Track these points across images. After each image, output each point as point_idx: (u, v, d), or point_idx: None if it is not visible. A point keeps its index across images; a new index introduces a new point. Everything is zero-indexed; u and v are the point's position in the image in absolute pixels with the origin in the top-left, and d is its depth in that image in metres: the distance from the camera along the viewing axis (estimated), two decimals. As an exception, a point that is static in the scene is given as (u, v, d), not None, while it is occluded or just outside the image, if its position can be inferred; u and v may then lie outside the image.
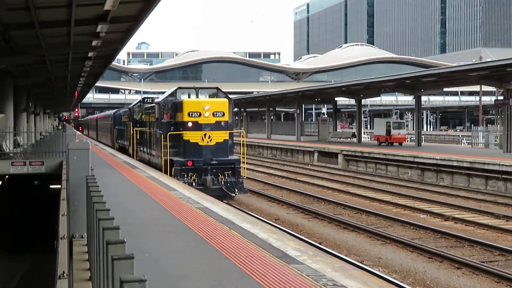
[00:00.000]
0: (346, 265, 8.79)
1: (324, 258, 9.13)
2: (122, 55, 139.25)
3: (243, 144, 28.23)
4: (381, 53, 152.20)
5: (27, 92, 40.67)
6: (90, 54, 27.37)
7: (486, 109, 68.36)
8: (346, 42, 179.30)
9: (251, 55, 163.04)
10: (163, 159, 22.76)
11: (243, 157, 24.14)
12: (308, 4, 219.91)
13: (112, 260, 3.34)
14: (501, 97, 37.03)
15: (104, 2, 15.61)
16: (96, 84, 69.86)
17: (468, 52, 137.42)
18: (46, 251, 15.53)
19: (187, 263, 8.87)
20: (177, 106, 23.80)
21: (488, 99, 63.88)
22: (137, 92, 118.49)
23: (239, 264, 8.54)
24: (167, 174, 21.87)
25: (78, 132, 67.94)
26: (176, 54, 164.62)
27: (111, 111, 52.69)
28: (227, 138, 23.18)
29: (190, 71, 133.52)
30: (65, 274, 6.63)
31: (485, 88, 52.21)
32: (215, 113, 22.34)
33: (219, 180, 21.76)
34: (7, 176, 24.28)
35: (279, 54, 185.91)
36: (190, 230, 11.19)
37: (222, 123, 22.84)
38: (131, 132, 34.58)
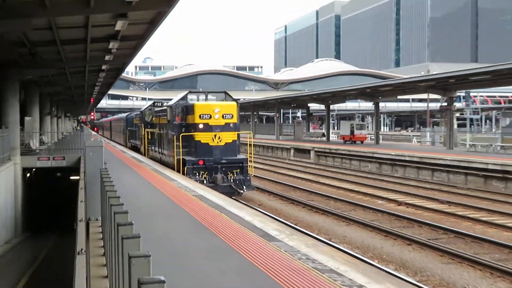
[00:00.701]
0: (317, 242, 8.86)
1: (299, 237, 9.20)
2: (130, 68, 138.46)
3: (250, 145, 25.95)
4: (346, 67, 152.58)
5: (50, 98, 40.36)
6: (103, 67, 27.28)
7: (432, 113, 68.60)
8: (317, 58, 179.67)
9: (238, 68, 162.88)
10: (175, 158, 20.78)
11: (250, 157, 22.13)
12: (286, 26, 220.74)
13: (122, 239, 3.38)
14: (445, 104, 37.28)
15: (115, 23, 15.62)
16: (109, 92, 69.66)
17: (418, 66, 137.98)
18: (67, 232, 15.43)
19: (185, 240, 8.90)
20: (189, 109, 21.49)
21: (434, 105, 64.07)
22: (143, 99, 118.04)
23: (228, 241, 8.60)
24: (179, 172, 20.10)
25: (93, 132, 67.40)
26: (176, 67, 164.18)
27: (124, 114, 51.07)
28: (236, 138, 20.99)
29: (188, 81, 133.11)
30: (82, 251, 6.64)
31: (432, 96, 52.38)
32: (224, 115, 20.27)
33: (228, 177, 19.80)
34: (34, 169, 24.18)
35: (261, 67, 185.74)
36: (187, 213, 11.21)
37: (231, 125, 20.67)
38: (143, 133, 32.50)
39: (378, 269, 7.68)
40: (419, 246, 14.09)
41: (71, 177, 21.74)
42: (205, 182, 18.95)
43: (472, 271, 11.78)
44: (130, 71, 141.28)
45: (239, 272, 6.91)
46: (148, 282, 2.25)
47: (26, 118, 27.42)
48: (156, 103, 31.65)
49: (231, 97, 22.95)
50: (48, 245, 19.99)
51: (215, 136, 19.79)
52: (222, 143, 19.98)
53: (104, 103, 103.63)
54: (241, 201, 18.21)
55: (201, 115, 19.74)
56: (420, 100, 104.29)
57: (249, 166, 20.83)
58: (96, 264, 6.51)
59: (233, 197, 16.59)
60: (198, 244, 8.55)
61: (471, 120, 65.48)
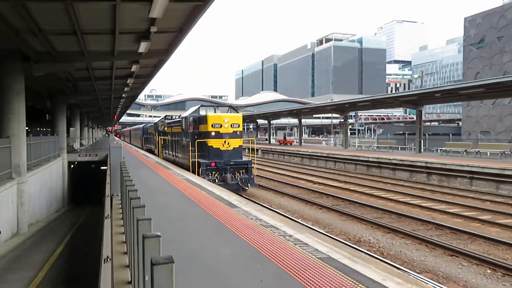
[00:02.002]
0: (263, 208, 8.84)
1: (251, 205, 9.16)
2: (141, 96, 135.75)
3: (253, 149, 21.12)
4: (281, 96, 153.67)
5: (87, 115, 40.40)
6: (123, 95, 26.82)
7: (335, 126, 69.67)
8: (262, 90, 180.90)
9: (212, 96, 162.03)
10: (190, 161, 17.26)
11: (253, 159, 19.12)
12: (242, 70, 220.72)
13: (133, 208, 3.37)
14: (342, 120, 37.92)
15: (131, 67, 15.42)
16: (127, 112, 68.57)
17: (325, 96, 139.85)
18: (98, 204, 15.12)
19: (178, 207, 8.77)
20: (202, 120, 17.67)
21: (336, 121, 65.18)
22: (149, 116, 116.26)
23: (205, 207, 8.50)
24: (194, 173, 16.92)
25: (116, 138, 65.78)
26: (171, 96, 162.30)
27: (141, 125, 47.16)
28: (241, 144, 17.66)
29: (179, 105, 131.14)
30: (108, 216, 6.45)
31: (334, 115, 53.22)
32: (232, 124, 17.18)
33: (236, 177, 16.81)
34: (76, 162, 23.88)
35: (227, 96, 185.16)
36: (180, 192, 11.05)
37: (238, 133, 17.40)
38: (157, 139, 28.32)
39: (301, 224, 7.74)
40: (327, 210, 14.24)
41: (101, 167, 21.66)
42: (216, 181, 16.07)
43: (360, 225, 12.01)
44: (141, 98, 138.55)
45: (215, 229, 6.85)
46: (148, 237, 2.35)
47: (71, 129, 28.69)
48: (167, 117, 27.89)
49: (235, 110, 19.82)
50: (85, 213, 19.66)
51: (225, 142, 16.82)
52: (231, 148, 16.93)
53: (124, 118, 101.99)
54: (214, 184, 16.46)
55: (213, 125, 16.71)
56: (327, 117, 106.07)
57: (253, 167, 17.78)
58: (116, 225, 6.34)
59: (238, 193, 13.80)
60: (187, 210, 8.44)
61: (359, 130, 67.00)
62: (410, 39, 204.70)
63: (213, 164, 16.38)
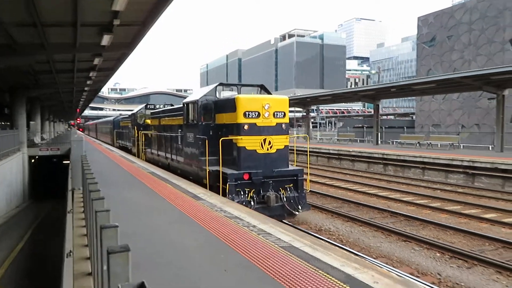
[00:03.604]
0: (228, 201, 8.84)
1: (215, 197, 9.13)
2: (105, 89, 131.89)
3: (298, 151, 12.79)
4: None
5: (48, 109, 38.85)
6: (86, 88, 25.93)
7: (298, 119, 70.47)
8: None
9: (177, 90, 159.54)
10: (207, 170, 10.57)
11: (307, 167, 12.30)
12: (207, 64, 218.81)
13: (92, 200, 3.36)
14: (305, 113, 38.43)
15: (93, 59, 14.97)
16: (90, 105, 66.39)
17: (288, 91, 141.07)
18: (60, 199, 14.64)
19: (142, 201, 8.62)
20: (225, 105, 10.92)
21: (299, 114, 65.86)
22: (114, 110, 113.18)
23: (170, 201, 8.40)
24: (213, 190, 10.21)
25: (79, 132, 63.56)
26: (135, 89, 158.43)
27: (111, 118, 39.19)
28: (287, 144, 10.82)
29: (144, 99, 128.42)
30: (70, 211, 6.27)
31: (297, 108, 53.77)
32: (276, 113, 10.43)
33: (281, 195, 10.39)
34: (36, 156, 22.96)
35: (191, 89, 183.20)
36: (144, 184, 10.86)
37: (283, 126, 10.61)
38: (136, 135, 21.31)
39: (265, 215, 7.81)
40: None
41: (63, 161, 20.88)
42: (252, 203, 9.88)
43: (321, 214, 12.23)
44: (104, 91, 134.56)
45: (180, 221, 6.79)
46: (106, 227, 2.34)
47: (31, 123, 27.26)
48: (148, 106, 22.05)
49: (267, 90, 12.06)
50: (47, 207, 18.99)
51: (264, 140, 10.23)
52: (273, 150, 10.36)
53: (87, 112, 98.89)
54: (179, 178, 12.95)
55: (247, 113, 10.06)
56: (290, 111, 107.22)
57: (305, 179, 11.26)
58: (78, 218, 6.17)
59: (284, 221, 9.71)
60: (150, 202, 8.31)
61: (320, 123, 68.13)
62: (368, 37, 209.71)
63: (246, 177, 10.02)
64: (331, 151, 26.66)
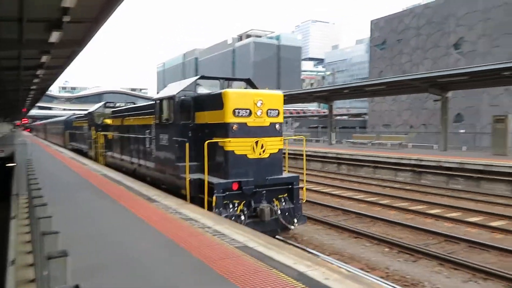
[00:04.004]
0: (184, 203, 8.76)
1: (170, 199, 9.03)
2: (54, 87, 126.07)
3: (291, 154, 11.05)
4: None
5: None
6: (32, 87, 24.69)
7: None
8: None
9: (132, 89, 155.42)
10: (187, 179, 8.77)
11: (299, 172, 10.57)
12: (164, 63, 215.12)
13: (35, 206, 3.28)
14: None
15: (41, 57, 14.32)
16: (38, 104, 63.22)
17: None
18: (3, 203, 13.86)
19: (93, 204, 8.36)
20: (209, 102, 9.15)
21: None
22: (64, 109, 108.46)
23: (124, 203, 8.21)
24: (194, 202, 8.60)
25: (25, 133, 60.39)
26: (87, 88, 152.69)
27: (63, 118, 35.35)
28: (282, 147, 9.29)
29: (96, 98, 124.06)
30: (14, 216, 6.00)
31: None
32: (269, 111, 8.81)
33: (274, 207, 8.78)
34: (-21, 158, 21.52)
35: (147, 89, 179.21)
36: (96, 187, 10.53)
37: (277, 126, 9.03)
38: (93, 136, 19.08)
39: (220, 217, 7.83)
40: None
41: (7, 164, 19.62)
42: (242, 217, 8.31)
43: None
44: (53, 90, 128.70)
45: (133, 224, 6.67)
46: (47, 234, 2.40)
47: None
48: (107, 104, 19.82)
49: (254, 85, 10.27)
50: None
51: (256, 143, 8.62)
52: (266, 155, 8.80)
53: (35, 111, 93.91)
54: (133, 179, 12.55)
55: (236, 111, 8.39)
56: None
57: (302, 187, 9.57)
58: (22, 225, 5.90)
59: (277, 237, 8.64)
60: (99, 203, 8.08)
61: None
62: (324, 38, 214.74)
63: (235, 186, 8.39)
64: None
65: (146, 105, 13.13)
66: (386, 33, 49.92)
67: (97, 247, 5.28)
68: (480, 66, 20.43)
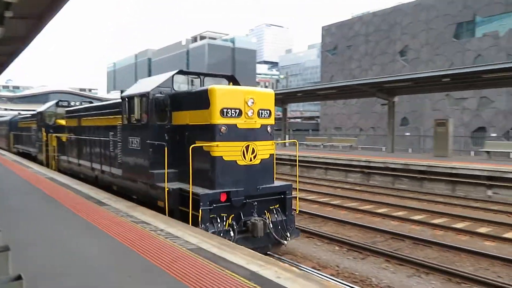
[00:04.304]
0: (135, 206, 8.55)
1: (122, 202, 8.79)
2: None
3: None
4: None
5: None
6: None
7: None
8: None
9: (81, 89, 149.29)
10: (166, 189, 7.53)
11: (291, 180, 9.61)
12: (115, 63, 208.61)
13: None
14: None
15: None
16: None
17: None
18: None
19: (39, 209, 7.96)
20: (190, 100, 7.93)
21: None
22: (5, 109, 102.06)
23: (71, 207, 7.89)
24: (174, 216, 7.42)
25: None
26: (32, 87, 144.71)
27: (7, 118, 32.23)
28: (273, 152, 8.10)
29: (41, 98, 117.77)
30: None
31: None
32: (260, 111, 7.68)
33: (267, 221, 7.61)
34: None
35: (97, 89, 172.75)
36: (43, 192, 10.03)
37: (269, 129, 7.86)
38: (44, 138, 17.35)
39: (172, 219, 7.72)
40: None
41: None
42: (232, 234, 7.19)
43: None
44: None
45: (82, 229, 6.43)
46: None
47: None
48: (60, 103, 17.96)
49: (237, 81, 9.32)
50: None
51: (247, 148, 7.56)
52: (257, 161, 7.73)
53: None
54: (80, 182, 11.98)
55: (225, 111, 7.27)
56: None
57: (295, 197, 8.52)
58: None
59: (269, 252, 7.76)
60: (47, 208, 7.72)
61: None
62: (277, 42, 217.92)
63: (223, 198, 7.26)
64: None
65: (110, 103, 11.71)
66: (337, 39, 51.54)
67: (42, 254, 5.04)
68: (422, 72, 21.68)
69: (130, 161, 9.24)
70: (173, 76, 8.68)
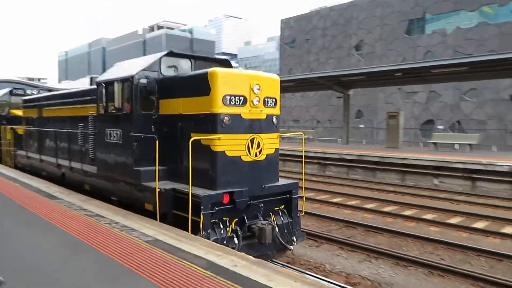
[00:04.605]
0: (89, 199, 8.34)
1: (75, 196, 8.53)
2: None
3: (303, 158, 8.33)
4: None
5: None
6: None
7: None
8: (89, 74, 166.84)
9: (29, 78, 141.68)
10: (157, 190, 6.22)
11: (297, 178, 9.37)
12: (67, 52, 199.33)
13: None
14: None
15: None
16: None
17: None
18: None
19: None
20: (185, 85, 6.73)
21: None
22: None
23: (20, 202, 7.58)
24: (166, 221, 6.27)
25: None
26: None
27: None
28: (278, 146, 7.00)
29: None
30: None
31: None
32: (266, 99, 6.58)
33: (271, 223, 6.55)
34: None
35: (46, 78, 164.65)
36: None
37: (274, 120, 6.79)
38: None
39: (132, 212, 7.60)
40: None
41: None
42: (236, 241, 6.15)
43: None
44: None
45: (32, 224, 6.20)
46: None
47: None
48: (14, 91, 16.14)
49: (229, 64, 8.02)
50: None
51: (252, 141, 6.48)
52: (263, 157, 6.66)
53: None
54: (37, 178, 11.13)
55: (228, 98, 6.15)
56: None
57: (301, 197, 7.56)
58: None
59: (270, 260, 6.47)
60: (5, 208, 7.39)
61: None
62: (236, 34, 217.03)
63: (226, 199, 6.28)
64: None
65: (79, 91, 10.50)
66: (295, 32, 52.14)
67: (-11, 249, 4.84)
68: (376, 67, 22.47)
69: (107, 157, 7.93)
70: (161, 58, 7.43)
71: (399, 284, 6.73)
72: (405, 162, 17.01)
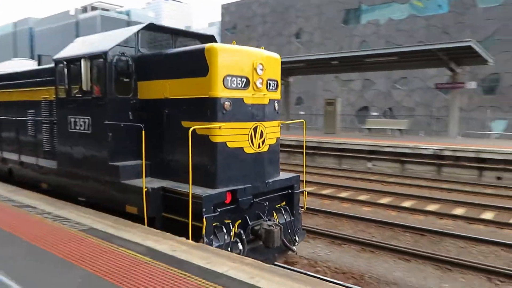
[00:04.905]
0: (17, 189, 7.84)
1: (2, 187, 8.00)
2: None
3: (304, 149, 7.13)
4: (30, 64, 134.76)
5: None
6: None
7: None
8: (16, 57, 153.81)
9: None
10: (144, 190, 5.20)
11: (298, 170, 8.90)
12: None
13: None
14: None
15: None
16: None
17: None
18: None
19: None
20: (176, 64, 5.58)
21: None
22: None
23: None
24: (154, 226, 5.27)
25: None
26: None
27: None
28: (279, 135, 6.06)
29: None
30: None
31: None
32: (269, 82, 5.64)
33: (279, 225, 5.60)
34: None
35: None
36: None
37: (276, 105, 5.86)
38: None
39: (65, 202, 7.26)
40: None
41: None
42: (241, 246, 5.31)
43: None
44: None
45: None
46: None
47: None
48: None
49: (212, 39, 7.19)
50: None
51: (255, 130, 5.54)
52: (265, 148, 5.73)
53: None
54: (11, 186, 9.36)
55: (229, 79, 5.19)
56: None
57: (304, 191, 6.62)
58: None
59: (272, 263, 5.75)
60: None
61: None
62: (176, 18, 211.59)
63: (228, 198, 5.32)
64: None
65: (26, 71, 8.95)
66: (236, 18, 51.90)
67: None
68: (315, 55, 23.10)
69: (72, 150, 6.68)
70: (138, 32, 6.25)
71: (333, 261, 7.13)
72: (342, 147, 17.80)
